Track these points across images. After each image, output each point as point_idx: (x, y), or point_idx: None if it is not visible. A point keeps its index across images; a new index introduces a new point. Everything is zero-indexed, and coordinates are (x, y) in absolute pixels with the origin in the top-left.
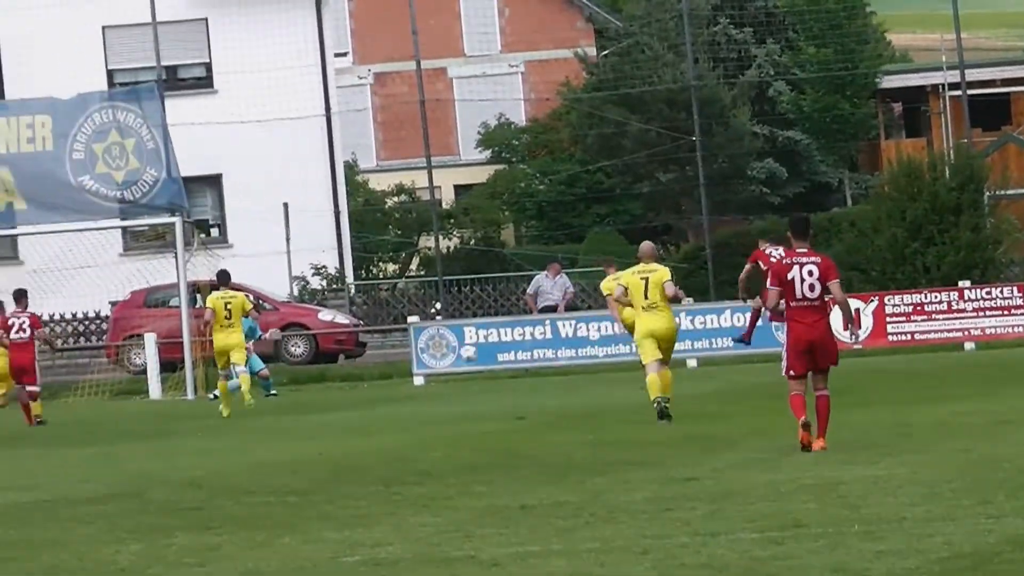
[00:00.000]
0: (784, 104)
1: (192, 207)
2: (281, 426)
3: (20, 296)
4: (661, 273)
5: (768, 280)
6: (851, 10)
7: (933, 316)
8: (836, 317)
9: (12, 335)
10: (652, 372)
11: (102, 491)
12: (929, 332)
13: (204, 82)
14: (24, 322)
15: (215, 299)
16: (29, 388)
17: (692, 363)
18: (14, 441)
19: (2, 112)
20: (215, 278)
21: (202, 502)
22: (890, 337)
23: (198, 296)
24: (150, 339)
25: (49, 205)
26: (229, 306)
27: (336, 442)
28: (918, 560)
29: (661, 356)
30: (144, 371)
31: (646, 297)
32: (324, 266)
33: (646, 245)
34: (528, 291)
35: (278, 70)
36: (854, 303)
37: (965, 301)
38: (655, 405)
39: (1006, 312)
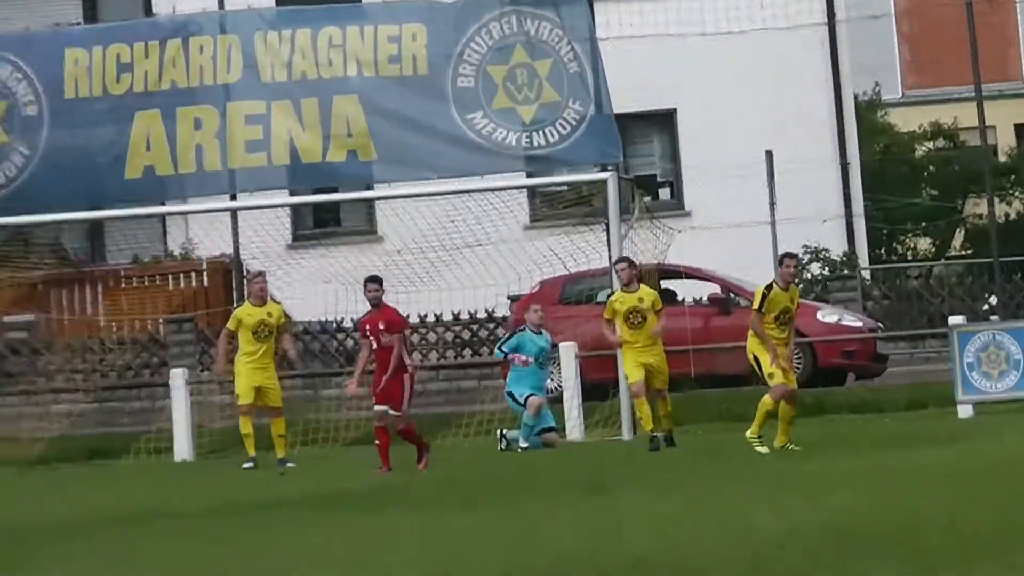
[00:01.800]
0: None
1: (631, 157)
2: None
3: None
4: None
5: None
6: None
7: None
8: None
9: None
10: None
11: None
12: None
13: None
14: None
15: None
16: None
17: None
18: None
19: (356, 19)
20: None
21: None
22: None
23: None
24: (567, 351)
25: (414, 156)
26: None
27: (848, 498)
28: None
29: None
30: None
31: None
32: (825, 249)
33: None
34: None
35: None
36: None
37: None
38: None
39: None
